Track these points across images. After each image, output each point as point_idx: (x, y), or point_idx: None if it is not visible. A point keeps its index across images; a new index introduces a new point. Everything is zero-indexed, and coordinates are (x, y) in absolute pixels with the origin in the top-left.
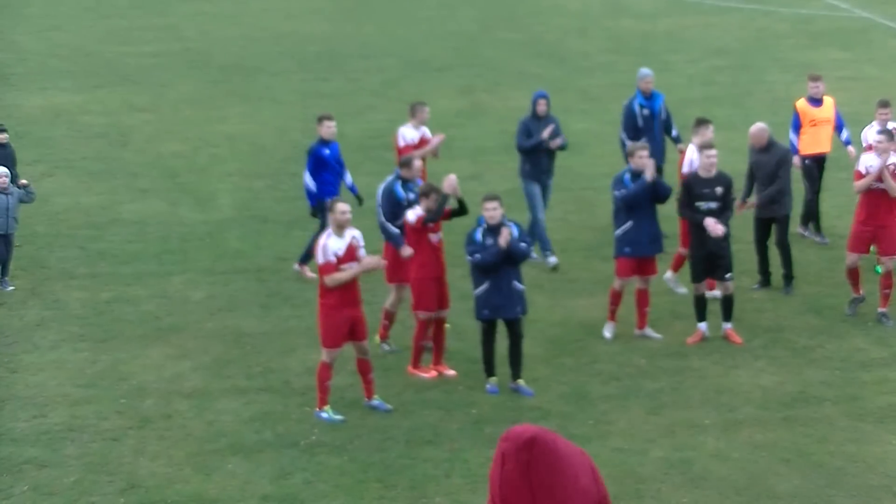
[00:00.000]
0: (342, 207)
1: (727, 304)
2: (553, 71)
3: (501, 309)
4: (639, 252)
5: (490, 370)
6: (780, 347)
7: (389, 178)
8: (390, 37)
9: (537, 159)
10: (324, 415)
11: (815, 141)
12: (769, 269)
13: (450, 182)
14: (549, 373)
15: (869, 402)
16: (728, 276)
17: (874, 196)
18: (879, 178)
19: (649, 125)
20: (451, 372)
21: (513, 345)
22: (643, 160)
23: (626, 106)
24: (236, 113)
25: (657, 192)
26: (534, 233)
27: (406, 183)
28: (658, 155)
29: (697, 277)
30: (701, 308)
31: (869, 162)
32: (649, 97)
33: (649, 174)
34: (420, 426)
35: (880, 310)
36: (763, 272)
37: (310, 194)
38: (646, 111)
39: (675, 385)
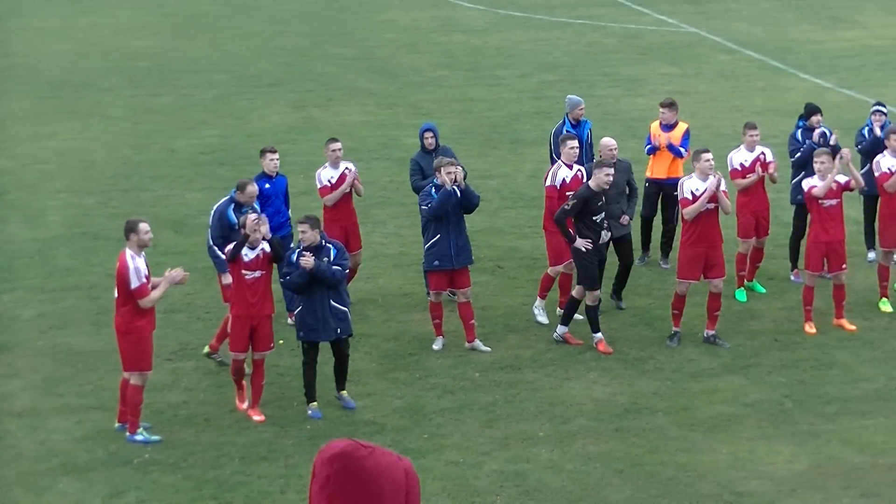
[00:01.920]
0: (145, 227)
1: (593, 313)
2: (385, 86)
3: (315, 331)
4: (448, 264)
5: (310, 395)
6: (612, 359)
7: (223, 200)
8: (221, 52)
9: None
10: (139, 437)
11: (662, 166)
12: None
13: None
14: (384, 387)
15: (699, 411)
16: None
17: (704, 218)
18: (712, 199)
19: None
20: (259, 417)
21: (338, 362)
22: (445, 175)
23: (553, 132)
24: (66, 129)
25: (465, 203)
26: None
27: (240, 207)
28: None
29: (595, 283)
30: (594, 317)
31: (693, 186)
32: (577, 125)
33: (448, 183)
34: (255, 442)
35: (708, 332)
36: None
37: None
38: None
39: (509, 398)
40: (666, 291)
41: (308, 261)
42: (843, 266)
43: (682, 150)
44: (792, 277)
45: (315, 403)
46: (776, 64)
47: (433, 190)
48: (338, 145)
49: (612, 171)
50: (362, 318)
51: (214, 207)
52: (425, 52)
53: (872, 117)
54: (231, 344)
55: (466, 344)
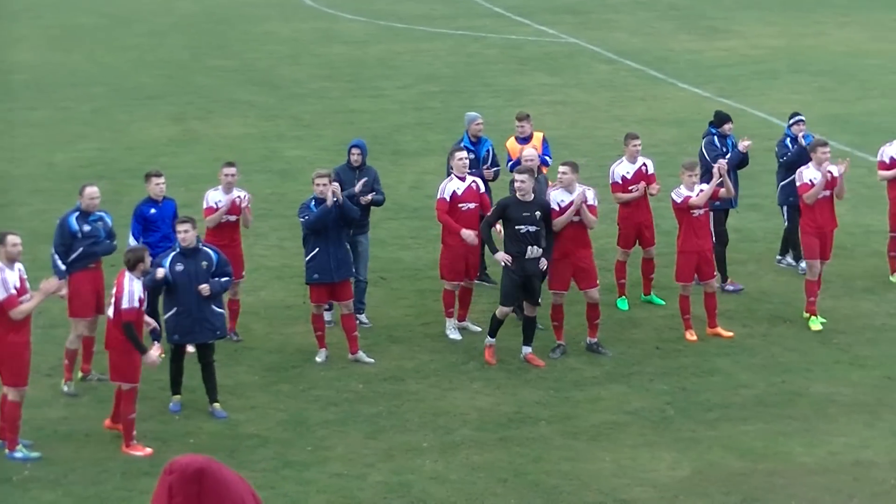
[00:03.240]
0: (13, 240)
1: (529, 326)
2: (265, 98)
3: (191, 333)
4: (328, 278)
5: (176, 388)
6: (495, 369)
7: (70, 209)
8: (99, 65)
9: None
10: (18, 455)
11: None
12: None
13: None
14: (267, 400)
15: (582, 420)
16: (538, 299)
17: (570, 230)
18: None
19: (472, 167)
20: (142, 452)
21: (205, 369)
22: (321, 188)
23: (451, 150)
24: None
25: (344, 217)
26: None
27: (85, 216)
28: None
29: (509, 301)
30: (496, 327)
31: (559, 198)
32: (476, 142)
33: (330, 199)
34: (137, 458)
35: (590, 340)
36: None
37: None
38: (471, 155)
39: (393, 409)
40: (547, 300)
41: (206, 288)
42: (714, 274)
43: (546, 158)
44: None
45: (178, 397)
46: (655, 74)
47: (313, 203)
48: (232, 170)
49: (522, 177)
50: (244, 331)
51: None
52: (306, 63)
53: (793, 128)
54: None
55: (349, 356)
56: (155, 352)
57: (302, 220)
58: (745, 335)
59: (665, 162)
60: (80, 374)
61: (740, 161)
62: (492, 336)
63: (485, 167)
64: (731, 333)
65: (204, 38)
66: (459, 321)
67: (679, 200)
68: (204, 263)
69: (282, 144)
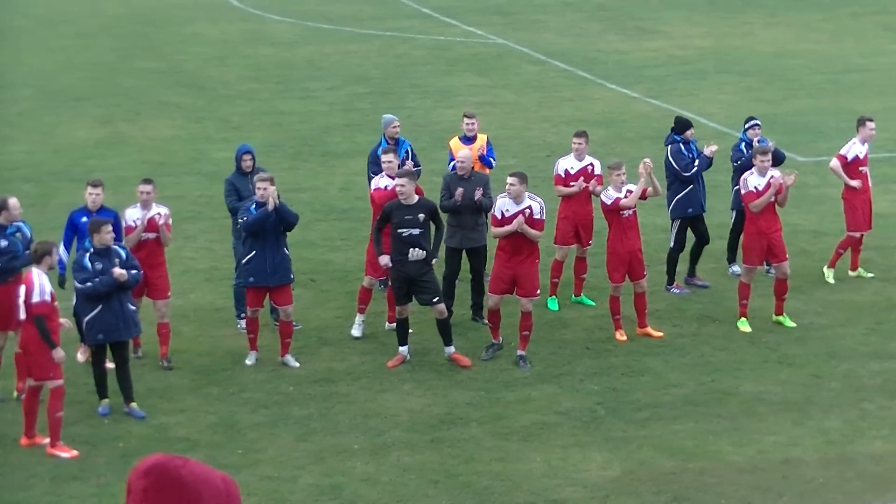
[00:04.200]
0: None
1: (443, 327)
2: (194, 100)
3: (117, 330)
4: (263, 281)
5: (102, 392)
6: (426, 370)
7: None
8: (26, 67)
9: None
10: None
11: None
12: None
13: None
14: (197, 403)
15: (513, 420)
16: (435, 299)
17: (512, 240)
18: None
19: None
20: (68, 454)
21: (120, 368)
22: (262, 191)
23: (371, 153)
24: None
25: (283, 221)
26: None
27: (3, 228)
28: None
29: (399, 300)
30: (403, 331)
31: (505, 206)
32: (395, 143)
33: (271, 204)
34: (65, 462)
35: (519, 352)
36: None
37: (61, 265)
38: None
39: (324, 411)
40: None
41: (122, 273)
42: (644, 274)
43: (491, 159)
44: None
45: (107, 400)
46: (584, 74)
47: (253, 206)
48: (148, 188)
49: (402, 181)
50: (174, 334)
51: None
52: (234, 65)
53: (749, 132)
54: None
55: (279, 358)
56: (80, 356)
57: (240, 223)
58: (675, 335)
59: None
60: (15, 395)
61: (707, 166)
62: (400, 343)
63: (405, 162)
64: (660, 333)
65: (131, 40)
66: (389, 322)
67: (609, 202)
68: (116, 260)
69: (210, 146)
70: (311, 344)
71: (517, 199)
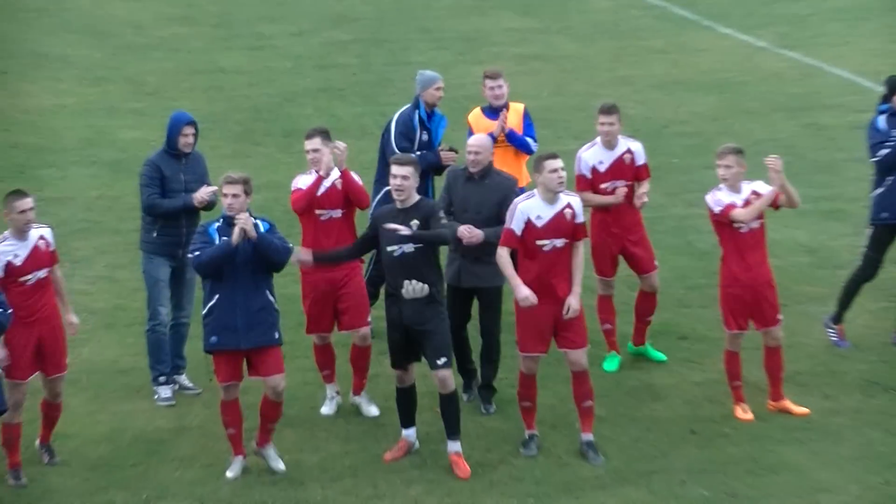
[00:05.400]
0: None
1: (447, 406)
2: (88, 51)
3: None
4: (231, 342)
5: None
6: (442, 465)
7: None
8: None
9: (177, 224)
10: None
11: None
12: (472, 364)
13: None
14: None
15: None
16: (440, 360)
17: (543, 265)
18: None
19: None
20: None
21: None
22: (230, 199)
23: (399, 122)
24: None
25: (263, 258)
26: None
27: None
28: None
29: (396, 361)
30: (406, 406)
31: (536, 212)
32: (431, 115)
33: (236, 236)
34: None
35: (585, 437)
36: (465, 371)
37: None
38: (424, 135)
39: None
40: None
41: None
42: (777, 319)
43: (529, 140)
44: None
45: None
46: (682, 13)
47: (216, 226)
48: (27, 203)
49: (404, 170)
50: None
51: None
52: None
53: None
54: None
55: (255, 447)
56: None
57: (191, 255)
58: (828, 411)
59: (698, 146)
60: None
61: None
62: (403, 423)
63: (441, 148)
64: (805, 410)
65: None
66: (355, 393)
67: (718, 210)
68: None
69: (113, 122)
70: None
71: (551, 199)
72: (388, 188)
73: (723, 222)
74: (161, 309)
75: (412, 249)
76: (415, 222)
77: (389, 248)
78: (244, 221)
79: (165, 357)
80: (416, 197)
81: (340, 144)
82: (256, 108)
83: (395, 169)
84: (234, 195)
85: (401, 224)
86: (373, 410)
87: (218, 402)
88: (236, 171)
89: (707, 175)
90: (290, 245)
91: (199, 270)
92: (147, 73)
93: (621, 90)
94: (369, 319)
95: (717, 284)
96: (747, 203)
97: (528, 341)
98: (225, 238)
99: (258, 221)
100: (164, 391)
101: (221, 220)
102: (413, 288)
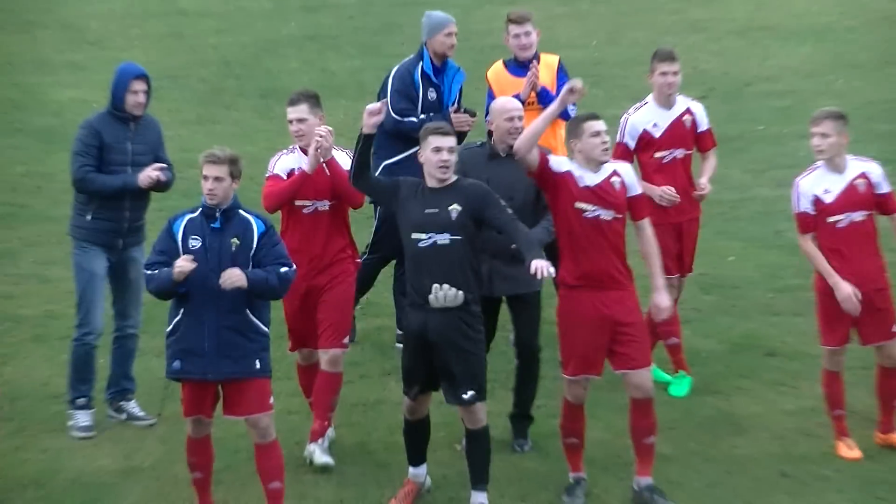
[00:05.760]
0: None
1: (475, 448)
2: None
3: None
4: (197, 370)
5: None
6: None
7: None
8: None
9: (118, 207)
10: None
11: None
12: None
13: None
14: None
15: None
16: (469, 393)
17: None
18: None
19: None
20: None
21: None
22: (211, 184)
23: (395, 78)
24: None
25: (251, 291)
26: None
27: None
28: None
29: (409, 386)
30: (416, 442)
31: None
32: (442, 67)
33: (174, 273)
34: None
35: (641, 480)
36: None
37: None
38: (431, 93)
39: None
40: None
41: None
42: (893, 333)
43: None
44: None
45: None
46: None
47: (180, 229)
48: None
49: (451, 141)
50: None
51: None
52: None
53: None
54: None
55: None
56: None
57: (145, 270)
58: None
59: (789, 110)
60: None
61: None
62: (412, 461)
63: (453, 110)
64: None
65: None
66: (312, 439)
67: (799, 210)
68: None
69: (44, 79)
70: (243, 471)
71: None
72: (388, 162)
73: (810, 216)
74: (95, 312)
75: (447, 241)
76: (455, 207)
77: (415, 237)
78: (325, 138)
79: (91, 376)
80: (453, 176)
81: (323, 129)
82: (226, 61)
83: (437, 140)
84: (217, 178)
85: (432, 206)
86: (327, 459)
87: (176, 435)
88: (220, 147)
89: (801, 146)
90: (293, 267)
91: (157, 293)
92: (88, 17)
93: (691, 38)
94: (346, 341)
95: (813, 287)
96: (851, 189)
97: (576, 361)
98: (180, 262)
99: (252, 219)
100: (83, 417)
101: (199, 210)
102: (444, 295)
